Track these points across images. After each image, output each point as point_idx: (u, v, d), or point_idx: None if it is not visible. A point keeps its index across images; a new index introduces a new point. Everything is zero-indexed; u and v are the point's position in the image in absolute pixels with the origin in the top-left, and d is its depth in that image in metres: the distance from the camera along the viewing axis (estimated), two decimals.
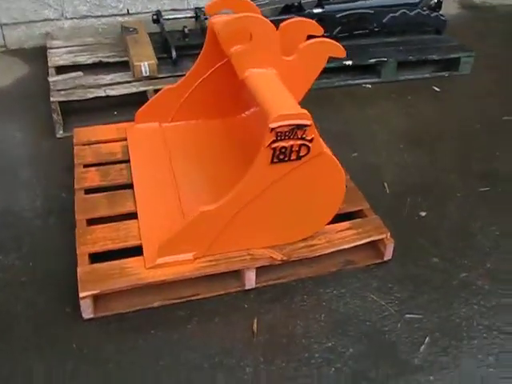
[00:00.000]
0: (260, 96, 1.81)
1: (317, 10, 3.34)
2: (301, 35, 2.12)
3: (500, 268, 2.10)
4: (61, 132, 2.73)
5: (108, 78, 3.00)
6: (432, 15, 3.46)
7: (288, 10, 3.36)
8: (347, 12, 3.31)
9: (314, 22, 2.11)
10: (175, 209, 2.09)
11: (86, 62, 3.15)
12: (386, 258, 2.09)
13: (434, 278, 2.05)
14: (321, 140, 1.79)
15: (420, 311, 1.92)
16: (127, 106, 2.96)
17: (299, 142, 1.74)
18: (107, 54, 3.24)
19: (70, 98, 2.83)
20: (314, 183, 1.87)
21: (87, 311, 1.81)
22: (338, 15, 3.30)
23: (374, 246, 2.09)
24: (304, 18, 2.10)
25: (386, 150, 2.71)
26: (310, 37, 2.11)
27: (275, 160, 1.75)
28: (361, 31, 3.38)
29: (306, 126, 1.71)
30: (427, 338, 1.83)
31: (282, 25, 2.06)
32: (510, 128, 2.94)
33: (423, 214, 2.33)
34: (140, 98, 2.95)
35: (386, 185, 2.47)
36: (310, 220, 1.98)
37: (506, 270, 2.09)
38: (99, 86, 2.93)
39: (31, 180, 2.47)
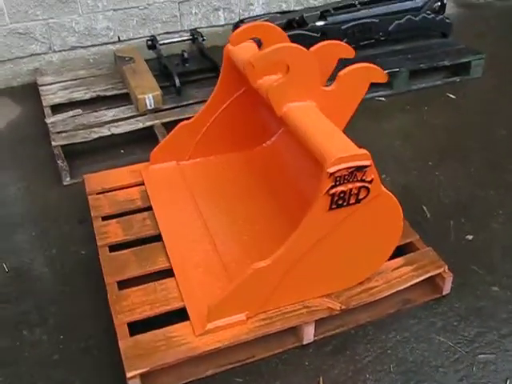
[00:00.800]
0: (308, 135, 1.65)
1: (320, 23, 3.20)
2: (332, 59, 1.98)
3: None
4: (68, 179, 2.53)
5: (110, 114, 2.81)
6: (437, 19, 3.34)
7: (290, 25, 3.21)
8: (352, 23, 3.17)
9: (345, 44, 1.97)
10: (215, 261, 1.92)
11: (82, 98, 2.97)
12: (444, 293, 1.95)
13: (498, 310, 1.91)
14: (379, 179, 1.63)
15: (492, 350, 1.78)
16: (134, 142, 2.80)
17: (358, 184, 1.58)
18: (104, 87, 3.04)
19: (74, 141, 2.64)
20: (372, 224, 1.72)
21: None
22: (342, 27, 3.16)
23: (431, 281, 1.95)
24: (335, 41, 1.95)
25: (415, 169, 2.58)
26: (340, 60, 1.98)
27: (333, 206, 1.59)
28: (367, 41, 3.24)
29: (366, 167, 1.56)
30: (508, 382, 1.69)
31: (312, 49, 1.91)
32: None
33: (470, 237, 2.20)
34: (146, 133, 2.79)
35: (425, 208, 2.33)
36: (367, 262, 1.83)
37: None
38: (102, 124, 2.74)
39: (44, 237, 2.26)
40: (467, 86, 3.24)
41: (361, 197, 1.62)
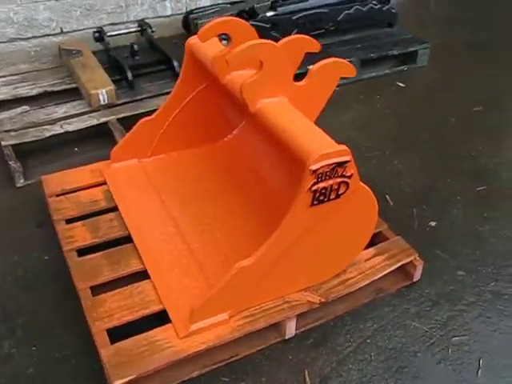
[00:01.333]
0: (287, 133, 1.64)
1: (270, 14, 3.19)
2: (299, 53, 1.97)
3: None
4: (21, 181, 2.41)
5: (61, 110, 2.70)
6: (384, 9, 3.41)
7: (241, 16, 3.17)
8: (302, 13, 3.18)
9: (311, 38, 1.96)
10: (189, 260, 1.89)
11: (29, 94, 2.82)
12: (415, 279, 2.01)
13: (465, 293, 1.99)
14: (357, 174, 1.65)
15: (464, 332, 1.86)
16: (87, 139, 2.71)
17: (339, 179, 1.60)
18: (51, 82, 2.91)
19: (25, 140, 2.51)
20: (349, 218, 1.74)
21: None
22: (293, 17, 3.16)
23: (402, 269, 2.00)
24: (302, 36, 1.94)
25: (373, 159, 2.63)
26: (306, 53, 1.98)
27: (315, 202, 1.60)
28: (317, 31, 3.26)
29: (346, 162, 1.57)
30: (481, 361, 1.77)
31: (280, 43, 1.89)
32: (483, 119, 2.95)
33: (433, 224, 2.28)
34: (100, 130, 2.70)
35: (387, 197, 2.39)
36: (344, 254, 1.85)
37: None
38: (53, 122, 2.62)
39: (1, 243, 2.15)
40: (414, 75, 3.33)
41: (340, 192, 1.63)
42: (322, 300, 1.81)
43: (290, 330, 1.79)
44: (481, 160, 2.64)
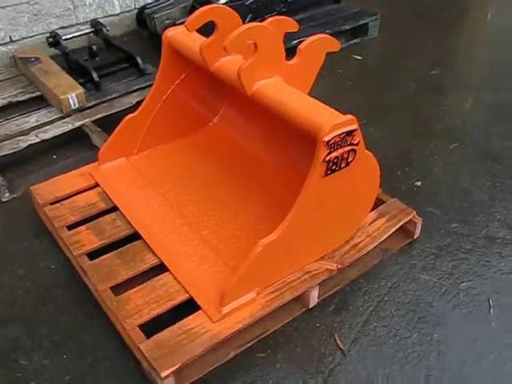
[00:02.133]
0: (290, 109, 1.70)
1: (223, 1, 3.21)
2: (281, 34, 2.02)
3: (509, 217, 2.23)
4: (7, 195, 2.34)
5: (32, 120, 2.63)
6: None
7: (194, 4, 3.18)
8: None
9: (290, 19, 2.02)
10: (203, 247, 1.92)
11: None
12: (415, 237, 2.12)
13: (462, 243, 2.13)
14: (363, 141, 1.73)
15: (470, 277, 1.99)
16: (63, 146, 2.67)
17: (348, 148, 1.67)
18: (13, 92, 2.83)
19: (2, 153, 2.44)
20: (356, 183, 1.82)
21: None
22: (246, 2, 3.20)
23: (402, 228, 2.10)
24: (282, 16, 1.99)
25: None
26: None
27: (328, 172, 1.67)
28: (270, 14, 3.31)
29: (354, 130, 1.65)
30: (491, 301, 1.90)
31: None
32: (441, 81, 3.11)
33: (419, 183, 2.40)
34: (74, 134, 2.66)
35: None
36: (353, 219, 1.94)
37: None
38: (27, 132, 2.56)
39: (3, 259, 2.10)
40: (368, 46, 3.46)
41: (350, 160, 1.71)
42: (339, 266, 1.88)
43: (314, 299, 1.86)
44: (448, 119, 2.80)
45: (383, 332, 1.80)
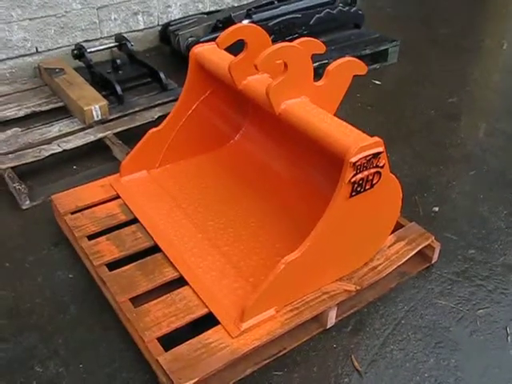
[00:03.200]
0: (320, 130, 1.72)
1: (246, 21, 3.26)
2: (309, 54, 2.05)
3: None
4: (27, 202, 2.36)
5: (55, 129, 2.67)
6: (351, 11, 3.55)
7: (217, 26, 3.23)
8: (278, 19, 3.27)
9: (317, 40, 2.05)
10: (223, 263, 1.94)
11: (16, 116, 2.77)
12: (433, 261, 2.12)
13: (480, 270, 2.13)
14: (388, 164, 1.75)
15: (487, 304, 1.99)
16: (84, 157, 2.69)
17: (373, 170, 1.69)
18: (36, 102, 2.88)
19: (25, 161, 2.47)
20: (378, 206, 1.83)
21: None
22: (269, 24, 3.25)
23: (420, 252, 2.11)
24: (309, 38, 2.02)
25: None
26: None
27: (353, 194, 1.68)
28: (291, 36, 3.36)
29: (380, 153, 1.67)
30: (508, 329, 1.90)
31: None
32: (459, 108, 3.14)
33: (436, 209, 2.41)
34: (96, 146, 2.69)
35: None
36: (373, 242, 1.95)
37: None
38: (49, 141, 2.59)
39: (22, 267, 2.11)
40: (387, 72, 3.49)
41: (374, 182, 1.72)
42: (358, 288, 1.89)
43: (331, 319, 1.86)
44: (466, 146, 2.81)
45: (400, 355, 1.80)
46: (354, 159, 1.60)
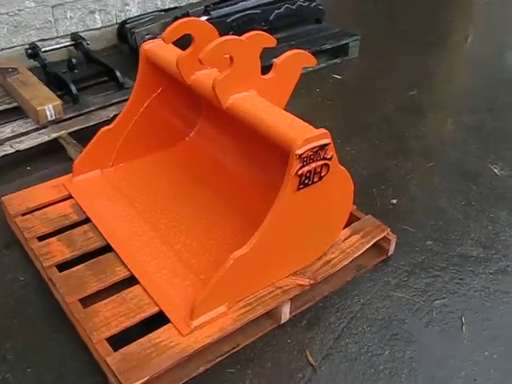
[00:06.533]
0: (266, 123, 1.70)
1: (204, 18, 3.23)
2: (258, 49, 2.03)
3: (483, 235, 2.24)
4: None
5: (7, 130, 2.61)
6: (312, 6, 3.54)
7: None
8: (236, 15, 3.25)
9: (268, 34, 2.03)
10: (175, 261, 1.90)
11: None
12: (389, 254, 2.12)
13: (437, 260, 2.13)
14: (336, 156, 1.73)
15: (443, 295, 1.99)
16: (38, 157, 2.64)
17: (321, 162, 1.67)
18: None
19: None
20: (329, 198, 1.82)
21: None
22: (227, 20, 3.22)
23: (376, 245, 2.10)
24: (259, 32, 2.00)
25: None
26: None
27: (301, 186, 1.66)
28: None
29: (327, 144, 1.65)
30: (463, 318, 1.89)
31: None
32: (419, 102, 3.15)
33: (394, 201, 2.41)
34: (50, 146, 2.63)
35: None
36: (325, 235, 1.93)
37: (487, 236, 2.24)
38: (2, 142, 2.53)
39: None
40: (348, 66, 3.49)
41: (323, 174, 1.70)
42: (312, 282, 1.87)
43: (285, 314, 1.84)
44: (426, 139, 2.82)
45: (355, 348, 1.79)
46: (299, 151, 1.58)
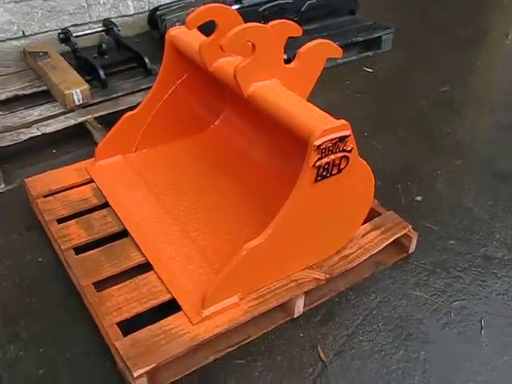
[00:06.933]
0: (286, 112, 1.67)
1: (236, 6, 3.21)
2: (283, 37, 1.99)
3: (509, 236, 2.17)
4: (2, 186, 2.34)
5: (35, 113, 2.64)
6: None
7: None
8: (268, 4, 3.21)
9: (294, 23, 1.99)
10: (190, 249, 1.89)
11: None
12: (410, 251, 2.06)
13: (459, 261, 2.07)
14: (356, 148, 1.69)
15: (463, 297, 1.93)
16: (64, 141, 2.66)
17: (340, 154, 1.63)
18: (19, 85, 2.84)
19: (2, 144, 2.44)
20: (348, 192, 1.78)
21: None
22: (259, 9, 3.19)
23: (397, 241, 2.05)
24: (285, 20, 1.97)
25: None
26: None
27: (318, 178, 1.63)
28: None
29: (347, 136, 1.61)
30: (483, 321, 1.84)
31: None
32: (453, 98, 3.06)
33: (419, 198, 2.35)
34: (77, 130, 2.65)
35: None
36: (344, 230, 1.89)
37: None
38: (29, 125, 2.56)
39: None
40: (380, 60, 3.42)
41: (342, 166, 1.67)
42: (328, 276, 1.84)
43: (299, 308, 1.81)
44: (456, 136, 2.74)
45: (368, 346, 1.75)
46: (317, 142, 1.55)
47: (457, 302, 1.90)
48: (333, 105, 2.96)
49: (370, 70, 3.29)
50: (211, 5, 1.89)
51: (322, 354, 1.72)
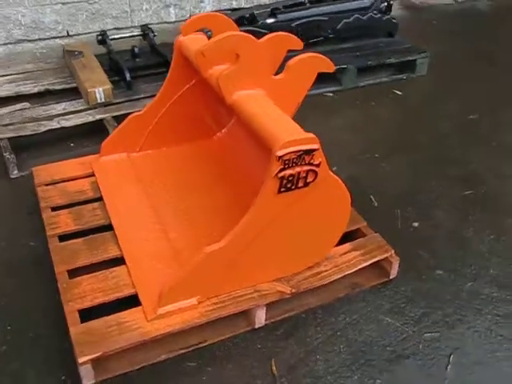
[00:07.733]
0: (257, 121, 1.68)
1: (270, 20, 3.25)
2: (282, 50, 2.01)
3: (503, 273, 2.07)
4: (15, 172, 2.47)
5: (59, 107, 2.78)
6: (384, 18, 3.45)
7: (241, 22, 3.24)
8: (301, 20, 3.23)
9: (294, 36, 2.00)
10: (166, 249, 1.93)
11: (30, 92, 2.90)
12: (391, 277, 2.01)
13: (442, 292, 1.99)
14: (326, 163, 1.67)
15: (437, 329, 1.85)
16: (83, 136, 2.77)
17: (306, 167, 1.62)
18: (52, 81, 3.00)
19: (22, 133, 2.59)
20: (320, 208, 1.76)
21: (88, 377, 1.61)
22: (292, 24, 3.22)
23: (378, 265, 2.00)
24: (284, 33, 1.98)
25: (363, 161, 2.65)
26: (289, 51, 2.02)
27: (282, 189, 1.63)
28: (316, 39, 3.31)
29: (314, 150, 1.60)
30: (451, 357, 1.76)
31: (262, 40, 1.93)
32: (477, 127, 2.96)
33: (416, 224, 2.28)
34: (96, 127, 2.76)
35: (372, 198, 2.40)
36: (316, 246, 1.87)
37: (507, 276, 2.06)
38: (51, 118, 2.70)
39: None
40: (412, 83, 3.35)
41: (309, 180, 1.66)
42: (293, 291, 1.82)
43: (260, 319, 1.80)
44: (471, 166, 2.64)
45: (323, 366, 1.72)
46: (279, 153, 1.55)
47: (429, 334, 1.83)
48: (354, 124, 2.96)
49: (400, 93, 3.23)
50: (206, 13, 1.94)
51: (274, 368, 1.70)
